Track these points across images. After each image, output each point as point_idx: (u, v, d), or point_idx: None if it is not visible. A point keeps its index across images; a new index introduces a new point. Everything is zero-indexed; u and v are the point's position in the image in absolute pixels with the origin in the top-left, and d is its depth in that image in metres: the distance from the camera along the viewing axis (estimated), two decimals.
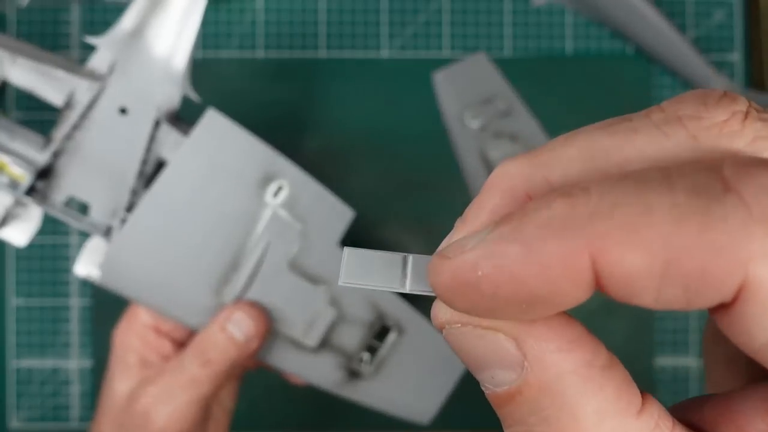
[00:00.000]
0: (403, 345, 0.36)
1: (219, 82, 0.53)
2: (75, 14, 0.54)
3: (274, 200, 0.34)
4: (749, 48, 0.55)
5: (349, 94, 0.54)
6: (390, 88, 0.54)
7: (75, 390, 0.54)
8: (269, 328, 0.34)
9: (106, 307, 0.53)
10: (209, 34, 0.54)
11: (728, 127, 0.13)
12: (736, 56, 0.55)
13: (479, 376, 0.14)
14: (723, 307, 0.12)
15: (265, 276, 0.34)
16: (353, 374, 0.36)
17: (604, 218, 0.11)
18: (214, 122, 0.33)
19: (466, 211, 0.14)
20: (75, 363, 0.53)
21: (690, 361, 0.54)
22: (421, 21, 0.55)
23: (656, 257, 0.11)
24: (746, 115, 0.13)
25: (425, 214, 0.54)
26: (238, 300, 0.34)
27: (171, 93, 0.34)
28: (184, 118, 0.35)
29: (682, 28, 0.55)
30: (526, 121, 0.54)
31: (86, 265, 0.35)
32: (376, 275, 0.14)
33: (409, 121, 0.54)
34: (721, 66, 0.55)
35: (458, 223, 0.14)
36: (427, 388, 0.37)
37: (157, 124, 0.34)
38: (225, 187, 0.33)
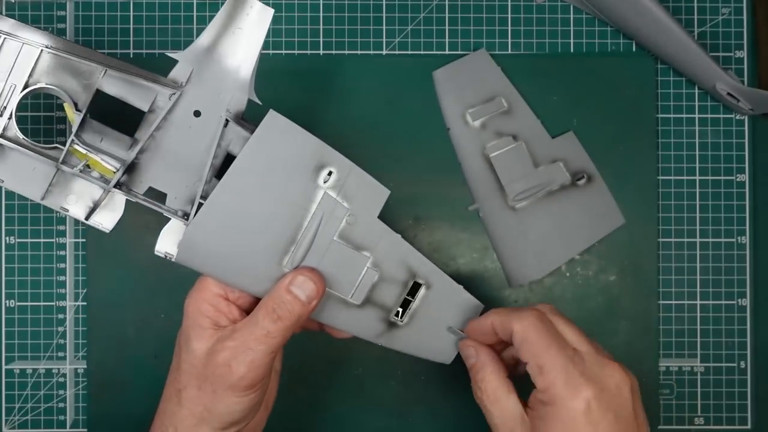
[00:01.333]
0: (430, 298, 0.42)
1: None
2: (69, 8, 0.53)
3: (325, 184, 0.39)
4: (755, 45, 0.54)
5: (349, 92, 0.53)
6: (390, 85, 0.53)
7: (69, 393, 0.53)
8: (325, 289, 0.40)
9: (100, 308, 0.52)
10: None
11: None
12: (743, 54, 0.54)
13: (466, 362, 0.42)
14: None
15: (319, 246, 0.40)
16: (391, 325, 0.42)
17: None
18: (274, 121, 0.39)
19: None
20: (69, 365, 0.53)
21: (694, 363, 0.53)
22: (422, 18, 0.54)
23: (495, 323, 0.40)
24: None
25: (425, 212, 0.53)
26: (299, 267, 0.40)
27: (239, 98, 0.40)
28: (247, 117, 0.41)
29: (687, 25, 0.54)
30: (527, 120, 0.53)
31: (164, 245, 0.40)
32: None
33: (410, 119, 0.53)
34: (727, 63, 0.54)
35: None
36: (449, 334, 0.44)
37: (226, 124, 0.39)
38: (284, 174, 0.39)
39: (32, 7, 0.53)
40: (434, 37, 0.54)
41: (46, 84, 0.39)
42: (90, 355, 0.52)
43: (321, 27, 0.54)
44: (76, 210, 0.40)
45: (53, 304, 0.53)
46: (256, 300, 0.40)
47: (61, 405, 0.53)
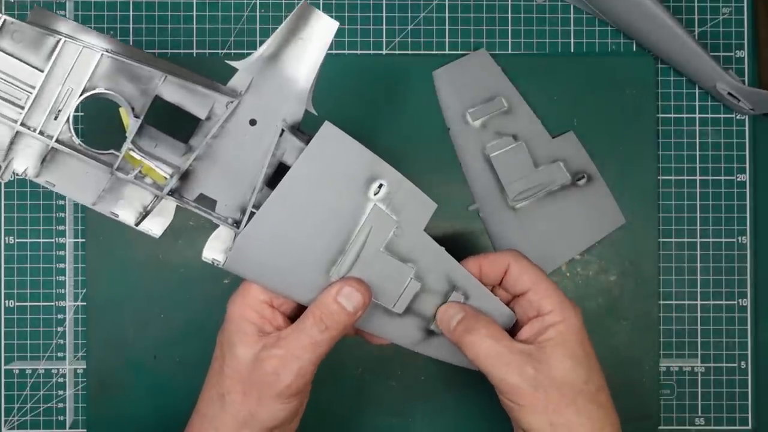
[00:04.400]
0: None
1: (217, 79, 0.52)
2: (69, 8, 0.53)
3: (375, 196, 0.40)
4: (756, 45, 0.54)
5: (349, 92, 0.53)
6: (390, 85, 0.53)
7: (68, 393, 0.53)
8: (371, 300, 0.40)
9: (100, 308, 0.52)
10: (207, 32, 0.53)
11: None
12: (743, 53, 0.54)
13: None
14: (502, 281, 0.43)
15: (366, 257, 0.40)
16: (429, 333, 0.43)
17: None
18: (329, 132, 0.39)
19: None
20: (68, 366, 0.53)
21: (695, 363, 0.53)
22: (422, 18, 0.54)
23: (483, 265, 0.42)
24: None
25: None
26: (346, 277, 0.40)
27: (296, 108, 0.40)
28: (302, 127, 0.41)
29: (688, 24, 0.54)
30: (528, 120, 0.53)
31: (211, 252, 0.40)
32: None
33: (410, 119, 0.53)
34: (727, 63, 0.54)
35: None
36: None
37: (281, 133, 0.39)
38: (337, 186, 0.39)
39: (32, 6, 0.53)
40: (434, 37, 0.54)
41: (105, 89, 0.38)
42: (89, 355, 0.52)
43: None
44: (126, 215, 0.40)
45: (53, 304, 0.53)
46: (300, 307, 0.41)
47: (60, 405, 0.53)
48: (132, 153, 0.38)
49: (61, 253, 0.53)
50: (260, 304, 0.40)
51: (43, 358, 0.53)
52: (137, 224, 0.40)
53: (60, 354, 0.53)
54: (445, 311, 0.42)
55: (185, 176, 0.39)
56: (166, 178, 0.39)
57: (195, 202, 0.40)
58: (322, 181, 0.39)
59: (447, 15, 0.54)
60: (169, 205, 0.40)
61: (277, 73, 0.39)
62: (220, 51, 0.53)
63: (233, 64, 0.39)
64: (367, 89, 0.53)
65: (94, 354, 0.52)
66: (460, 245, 0.53)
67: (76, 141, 0.38)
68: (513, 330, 0.42)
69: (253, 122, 0.39)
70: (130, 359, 0.52)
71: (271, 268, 0.39)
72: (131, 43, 0.53)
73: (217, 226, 0.40)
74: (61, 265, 0.53)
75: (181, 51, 0.53)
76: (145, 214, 0.40)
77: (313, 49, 0.40)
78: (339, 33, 0.54)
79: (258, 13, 0.54)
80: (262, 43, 0.53)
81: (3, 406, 0.53)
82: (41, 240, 0.53)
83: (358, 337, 0.44)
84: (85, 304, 0.53)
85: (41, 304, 0.53)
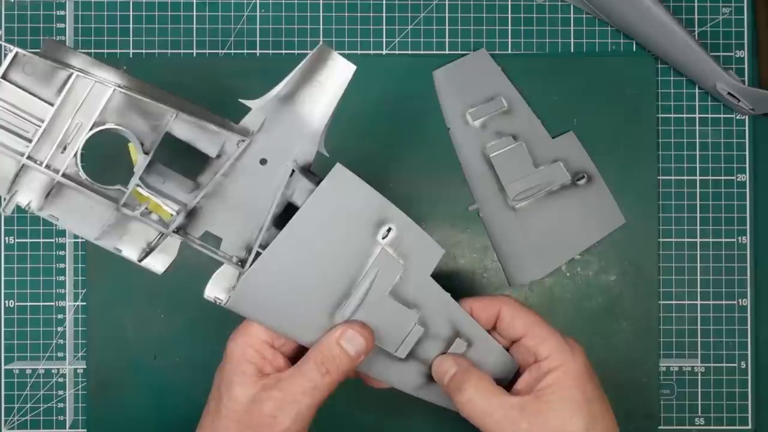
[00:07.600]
0: (470, 355, 0.42)
1: (217, 79, 0.52)
2: (69, 8, 0.53)
3: (383, 240, 0.39)
4: (756, 45, 0.54)
5: (349, 92, 0.53)
6: (390, 85, 0.53)
7: (69, 393, 0.53)
8: (374, 344, 0.40)
9: (100, 308, 0.52)
10: (207, 30, 0.53)
11: None
12: (743, 53, 0.54)
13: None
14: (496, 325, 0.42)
15: (371, 301, 0.40)
16: (430, 378, 0.43)
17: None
18: (340, 174, 0.39)
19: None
20: (68, 365, 0.53)
21: (695, 363, 0.53)
22: (422, 18, 0.54)
23: (475, 308, 0.42)
24: None
25: (425, 212, 0.53)
26: (349, 320, 0.39)
27: (308, 149, 0.39)
28: (313, 168, 0.41)
29: (688, 24, 0.54)
30: (527, 120, 0.53)
31: (214, 290, 0.39)
32: None
33: (410, 119, 0.53)
34: (728, 63, 0.54)
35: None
36: None
37: (291, 173, 0.39)
38: (345, 228, 0.39)
39: (32, 6, 0.53)
40: (434, 37, 0.54)
41: (115, 125, 0.37)
42: (89, 355, 0.52)
43: (321, 27, 0.54)
44: (130, 252, 0.39)
45: (53, 304, 0.53)
46: (301, 348, 0.40)
47: (60, 405, 0.53)
48: (139, 189, 0.37)
49: (61, 253, 0.53)
50: (261, 344, 0.39)
51: (43, 358, 0.53)
52: (140, 260, 0.39)
53: (60, 354, 0.53)
54: (439, 365, 0.41)
55: (191, 213, 0.39)
56: (172, 215, 0.38)
57: (200, 240, 0.39)
58: (330, 223, 0.39)
59: (447, 15, 0.54)
60: (174, 242, 0.39)
61: (291, 114, 0.39)
62: (220, 51, 0.53)
63: (247, 103, 0.38)
64: (367, 89, 0.53)
65: (94, 354, 0.52)
66: (460, 245, 0.53)
67: (83, 176, 0.37)
68: (514, 377, 0.42)
69: (263, 161, 0.39)
70: (130, 359, 0.52)
71: (275, 308, 0.39)
72: (131, 44, 0.53)
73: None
74: (61, 265, 0.53)
75: (181, 51, 0.53)
76: (149, 251, 0.39)
77: (329, 92, 0.39)
78: (339, 33, 0.54)
79: (258, 13, 0.54)
80: (262, 43, 0.54)
81: (3, 406, 0.53)
82: (41, 240, 0.53)
83: (358, 371, 0.43)
84: (85, 304, 0.53)
85: (41, 304, 0.53)
